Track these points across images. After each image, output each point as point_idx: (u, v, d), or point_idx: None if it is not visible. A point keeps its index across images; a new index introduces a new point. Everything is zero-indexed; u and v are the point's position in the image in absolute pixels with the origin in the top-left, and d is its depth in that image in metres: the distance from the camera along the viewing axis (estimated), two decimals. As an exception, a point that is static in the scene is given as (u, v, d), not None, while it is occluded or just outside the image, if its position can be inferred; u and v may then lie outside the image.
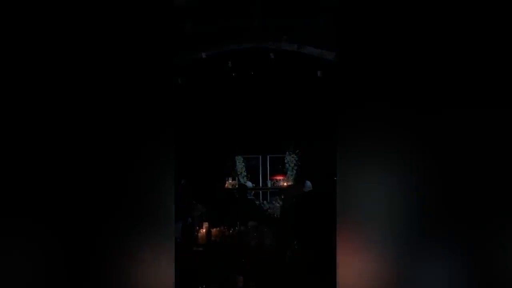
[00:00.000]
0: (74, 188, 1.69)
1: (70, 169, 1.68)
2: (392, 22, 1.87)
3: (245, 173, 9.86)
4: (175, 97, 1.93)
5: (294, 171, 9.46)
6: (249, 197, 7.79)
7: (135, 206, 1.79)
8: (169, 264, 1.89)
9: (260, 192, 9.89)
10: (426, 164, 1.82)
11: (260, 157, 9.99)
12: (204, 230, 5.40)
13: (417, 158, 1.83)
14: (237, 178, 9.42)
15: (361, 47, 1.93)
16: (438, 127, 1.80)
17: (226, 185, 8.94)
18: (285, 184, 9.34)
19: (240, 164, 9.68)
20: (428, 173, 1.82)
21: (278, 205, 7.16)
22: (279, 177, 9.77)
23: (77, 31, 1.69)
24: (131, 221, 1.80)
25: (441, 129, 1.80)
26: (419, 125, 1.82)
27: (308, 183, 5.96)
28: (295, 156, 9.50)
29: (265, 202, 8.36)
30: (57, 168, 1.65)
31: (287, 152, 9.56)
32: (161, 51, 1.86)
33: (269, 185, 9.79)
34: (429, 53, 1.82)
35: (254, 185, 9.54)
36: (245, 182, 9.08)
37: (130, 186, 1.79)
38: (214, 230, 5.45)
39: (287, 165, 9.64)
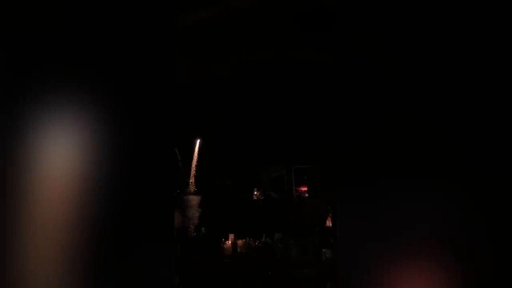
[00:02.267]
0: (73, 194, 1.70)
1: (74, 175, 1.69)
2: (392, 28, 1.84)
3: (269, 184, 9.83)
4: (175, 113, 1.94)
5: None
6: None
7: (136, 216, 1.79)
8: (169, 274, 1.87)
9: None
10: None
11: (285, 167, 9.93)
12: (230, 242, 5.38)
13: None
14: (261, 189, 9.39)
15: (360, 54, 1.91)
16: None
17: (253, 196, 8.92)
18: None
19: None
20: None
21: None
22: (304, 188, 9.70)
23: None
24: (130, 231, 1.80)
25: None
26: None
27: None
28: None
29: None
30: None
31: None
32: (163, 69, 1.88)
33: (294, 195, 9.73)
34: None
35: (276, 195, 9.49)
36: (269, 193, 9.05)
37: (131, 196, 1.79)
38: (240, 242, 5.43)
39: None
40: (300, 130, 8.65)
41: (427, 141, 1.74)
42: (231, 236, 5.44)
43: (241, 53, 6.72)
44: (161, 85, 1.85)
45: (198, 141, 7.47)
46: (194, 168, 7.20)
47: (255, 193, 8.99)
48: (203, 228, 6.28)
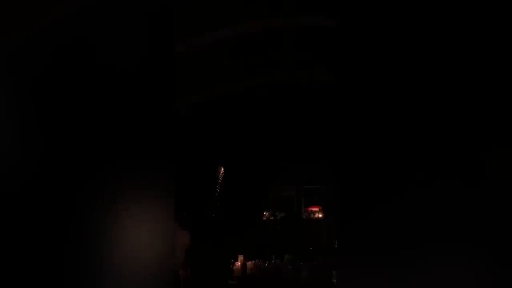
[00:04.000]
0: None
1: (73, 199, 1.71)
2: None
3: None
4: (175, 135, 1.97)
5: None
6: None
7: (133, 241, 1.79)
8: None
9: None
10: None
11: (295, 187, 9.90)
12: (239, 263, 5.34)
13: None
14: (271, 210, 9.35)
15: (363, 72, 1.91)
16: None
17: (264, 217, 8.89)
18: (320, 215, 9.21)
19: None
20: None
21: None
22: (315, 208, 9.64)
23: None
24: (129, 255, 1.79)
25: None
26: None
27: None
28: None
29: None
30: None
31: None
32: (163, 94, 1.90)
33: (303, 216, 9.66)
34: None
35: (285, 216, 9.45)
36: (278, 214, 9.02)
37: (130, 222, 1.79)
38: (249, 263, 5.39)
39: None
40: (310, 150, 8.65)
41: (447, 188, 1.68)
42: (241, 257, 5.40)
43: (250, 76, 6.79)
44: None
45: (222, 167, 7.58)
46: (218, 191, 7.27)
47: (265, 213, 8.95)
48: (213, 250, 6.25)
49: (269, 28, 5.30)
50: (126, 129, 1.78)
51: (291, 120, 8.21)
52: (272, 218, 8.39)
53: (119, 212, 1.74)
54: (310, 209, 9.73)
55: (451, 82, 1.75)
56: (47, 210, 1.67)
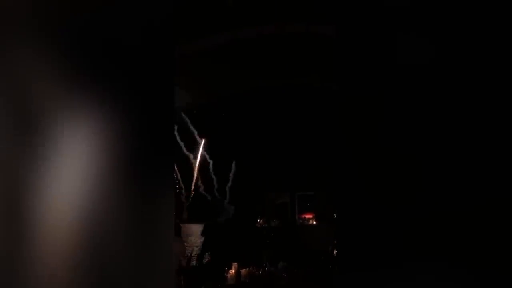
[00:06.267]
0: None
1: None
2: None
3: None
4: (174, 143, 1.95)
5: None
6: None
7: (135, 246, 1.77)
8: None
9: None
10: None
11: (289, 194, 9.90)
12: (233, 271, 5.28)
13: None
14: (265, 217, 9.33)
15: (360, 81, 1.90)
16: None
17: (257, 224, 8.87)
18: (314, 222, 9.21)
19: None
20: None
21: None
22: (308, 215, 9.64)
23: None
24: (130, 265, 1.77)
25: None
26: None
27: None
28: None
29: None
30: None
31: None
32: (163, 96, 1.89)
33: (297, 223, 9.65)
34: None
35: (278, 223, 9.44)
36: (272, 220, 9.00)
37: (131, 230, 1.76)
38: (243, 271, 5.33)
39: None
40: (304, 157, 8.65)
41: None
42: (235, 265, 5.35)
43: (247, 81, 6.80)
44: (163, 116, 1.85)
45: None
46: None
47: (259, 220, 8.91)
48: (206, 257, 6.20)
49: (267, 33, 5.32)
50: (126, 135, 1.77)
51: (284, 127, 8.21)
52: (266, 225, 8.36)
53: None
54: (304, 216, 9.72)
55: (450, 89, 1.74)
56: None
